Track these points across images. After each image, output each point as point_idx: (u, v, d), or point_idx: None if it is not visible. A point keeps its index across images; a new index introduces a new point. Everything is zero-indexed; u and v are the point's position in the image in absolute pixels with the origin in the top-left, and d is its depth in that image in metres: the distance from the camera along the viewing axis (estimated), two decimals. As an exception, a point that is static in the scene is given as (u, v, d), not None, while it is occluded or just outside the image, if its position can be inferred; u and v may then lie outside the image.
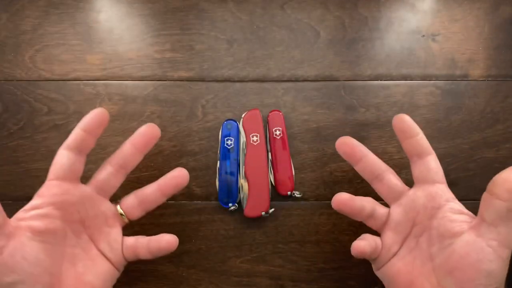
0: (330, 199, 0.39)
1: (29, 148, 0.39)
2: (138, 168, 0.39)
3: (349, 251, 0.39)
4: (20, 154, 0.39)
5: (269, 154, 0.39)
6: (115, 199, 0.39)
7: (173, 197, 0.39)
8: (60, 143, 0.38)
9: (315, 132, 0.40)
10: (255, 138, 0.38)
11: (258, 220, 0.39)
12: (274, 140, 0.39)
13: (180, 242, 0.39)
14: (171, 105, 0.40)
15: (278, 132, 0.39)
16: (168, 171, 0.39)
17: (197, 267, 0.39)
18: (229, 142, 0.38)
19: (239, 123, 0.39)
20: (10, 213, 0.38)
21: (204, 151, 0.40)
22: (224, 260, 0.39)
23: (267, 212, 0.38)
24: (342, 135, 0.39)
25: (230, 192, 0.38)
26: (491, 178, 0.40)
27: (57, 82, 0.40)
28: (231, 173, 0.38)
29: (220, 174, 0.38)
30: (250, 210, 0.38)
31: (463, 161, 0.40)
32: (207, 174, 0.39)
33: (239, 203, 0.38)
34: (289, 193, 0.39)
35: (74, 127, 0.39)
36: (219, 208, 0.39)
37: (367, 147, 0.39)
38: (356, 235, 0.38)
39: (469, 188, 0.40)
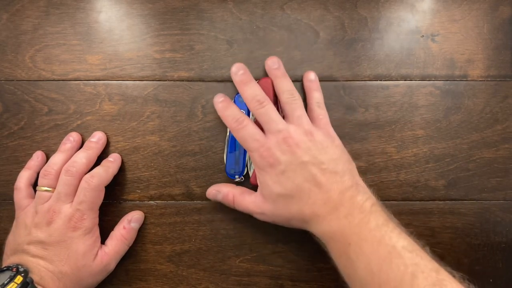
0: (330, 199, 0.40)
1: (29, 148, 0.39)
2: (138, 168, 0.39)
3: (349, 250, 0.39)
4: (20, 154, 0.39)
5: None
6: (116, 199, 0.39)
7: (173, 197, 0.40)
8: (60, 143, 0.38)
9: (315, 132, 0.40)
10: None
11: (257, 219, 0.39)
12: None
13: (180, 242, 0.39)
14: (171, 105, 0.40)
15: None
16: (168, 171, 0.40)
17: (197, 266, 0.39)
18: None
19: None
20: (10, 212, 0.38)
21: (204, 151, 0.40)
22: (223, 259, 0.39)
23: None
24: (342, 135, 0.40)
25: (238, 164, 0.38)
26: (490, 178, 0.40)
27: (57, 82, 0.40)
28: (240, 146, 0.38)
29: (229, 146, 0.38)
30: (256, 178, 0.37)
31: (462, 161, 0.40)
32: (207, 174, 0.40)
33: (246, 176, 0.39)
34: None
35: (74, 127, 0.40)
36: (219, 208, 0.39)
37: (367, 147, 0.40)
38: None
39: (468, 188, 0.40)
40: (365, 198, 0.32)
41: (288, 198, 0.33)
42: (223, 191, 0.37)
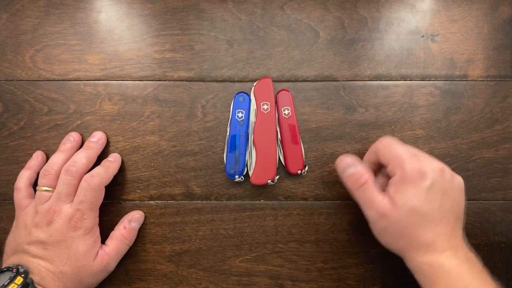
0: (330, 199, 0.40)
1: (29, 148, 0.39)
2: (138, 168, 0.39)
3: (349, 251, 0.39)
4: (20, 154, 0.39)
5: (278, 134, 0.39)
6: (116, 199, 0.40)
7: (173, 197, 0.40)
8: (60, 143, 0.38)
9: (315, 132, 0.40)
10: (265, 107, 0.38)
11: (257, 219, 0.39)
12: (283, 120, 0.39)
13: (180, 242, 0.39)
14: (171, 105, 0.40)
15: (287, 112, 0.39)
16: (168, 171, 0.40)
17: (196, 266, 0.39)
18: (240, 114, 0.39)
19: (251, 91, 0.39)
20: (10, 212, 0.38)
21: (204, 151, 0.40)
22: (223, 259, 0.39)
23: (273, 181, 0.38)
24: (342, 135, 0.40)
25: (238, 164, 0.38)
26: (490, 178, 0.40)
27: (57, 82, 0.40)
28: (240, 146, 0.38)
29: (229, 146, 0.38)
30: (256, 178, 0.38)
31: (462, 161, 0.40)
32: (207, 174, 0.40)
33: (246, 176, 0.39)
34: (299, 171, 0.39)
35: (74, 127, 0.40)
36: (219, 208, 0.39)
37: (367, 147, 0.40)
38: (355, 235, 0.38)
39: (468, 188, 0.39)
40: (474, 254, 0.33)
41: (420, 217, 0.32)
42: (358, 169, 0.34)
